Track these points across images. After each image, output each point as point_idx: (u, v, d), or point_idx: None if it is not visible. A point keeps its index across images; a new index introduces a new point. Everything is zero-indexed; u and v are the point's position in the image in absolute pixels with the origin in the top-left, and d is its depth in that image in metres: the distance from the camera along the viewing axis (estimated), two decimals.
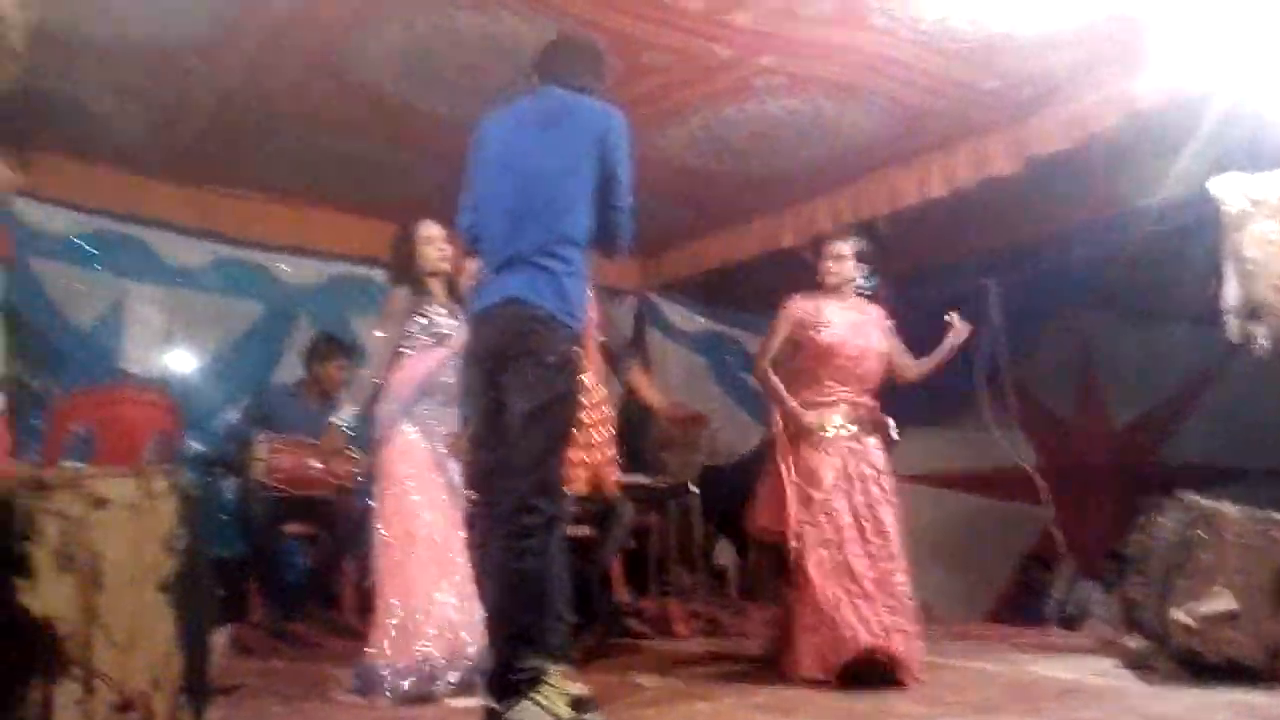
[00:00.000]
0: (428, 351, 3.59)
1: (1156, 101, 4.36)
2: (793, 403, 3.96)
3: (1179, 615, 3.25)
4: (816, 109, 4.90)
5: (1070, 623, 6.04)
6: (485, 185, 2.89)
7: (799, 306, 4.08)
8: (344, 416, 3.60)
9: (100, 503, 1.65)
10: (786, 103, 4.83)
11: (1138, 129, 4.61)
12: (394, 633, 3.33)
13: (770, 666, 3.82)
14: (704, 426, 4.08)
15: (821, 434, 3.90)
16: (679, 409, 4.18)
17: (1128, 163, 5.27)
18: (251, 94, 4.68)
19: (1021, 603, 6.84)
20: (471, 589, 3.38)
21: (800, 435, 3.94)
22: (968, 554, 6.88)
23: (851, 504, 3.80)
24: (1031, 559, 6.98)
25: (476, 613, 3.31)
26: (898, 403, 6.90)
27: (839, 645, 3.51)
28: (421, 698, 3.24)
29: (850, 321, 4.03)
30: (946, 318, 4.10)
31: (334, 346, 5.47)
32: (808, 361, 4.02)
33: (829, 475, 3.83)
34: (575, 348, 2.75)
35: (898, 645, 3.52)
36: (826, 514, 3.79)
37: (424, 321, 3.60)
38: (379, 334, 3.63)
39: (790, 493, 3.86)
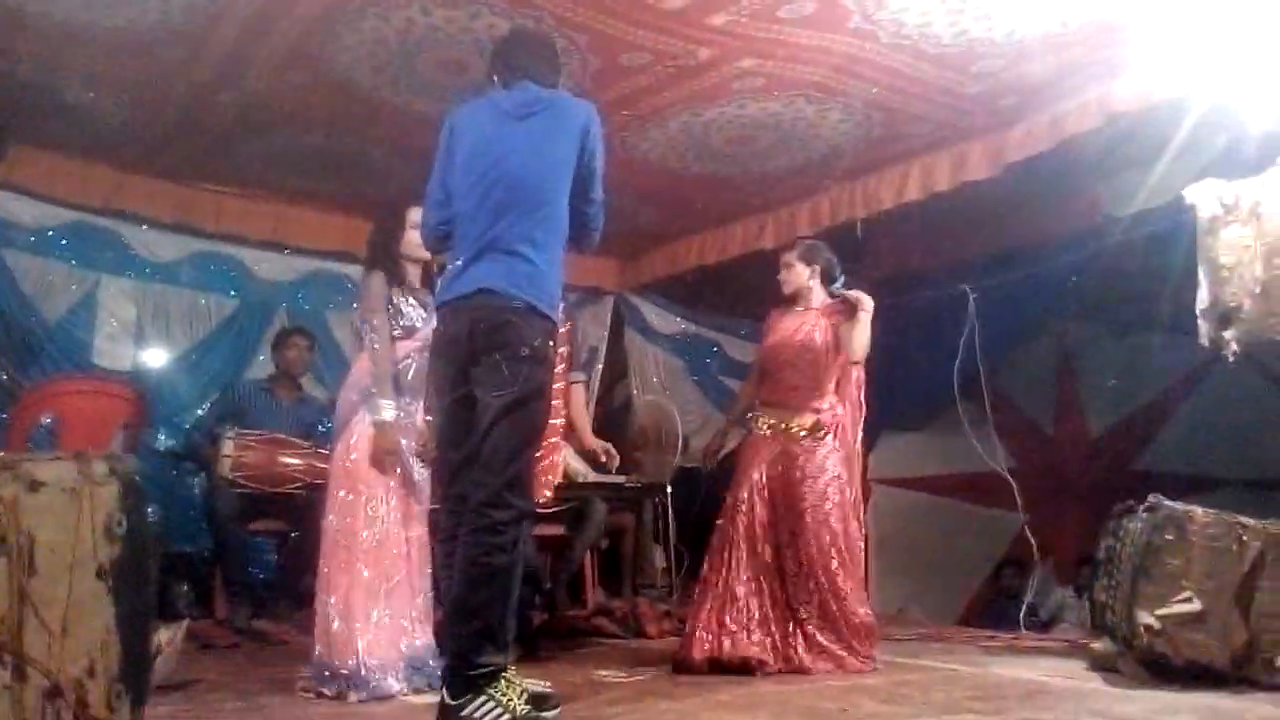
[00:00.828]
0: (395, 344, 3.54)
1: (1135, 106, 4.36)
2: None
3: (1145, 618, 3.24)
4: (796, 112, 4.89)
5: (1042, 627, 6.05)
6: (462, 177, 2.83)
7: (769, 317, 4.28)
8: (385, 414, 3.39)
9: (35, 485, 1.61)
10: (766, 105, 4.82)
11: (1116, 134, 4.62)
12: (331, 634, 3.27)
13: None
14: (612, 461, 4.35)
15: (756, 436, 4.10)
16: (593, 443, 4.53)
17: (1106, 170, 5.29)
18: (227, 87, 4.64)
19: (995, 607, 6.87)
20: (412, 591, 3.39)
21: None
22: (942, 558, 6.90)
23: (772, 508, 3.96)
24: (1006, 564, 7.01)
25: (416, 614, 3.37)
26: (875, 407, 6.89)
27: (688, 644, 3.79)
28: (375, 697, 3.18)
29: (790, 327, 4.15)
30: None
31: (291, 330, 5.54)
32: (763, 367, 4.24)
33: (750, 478, 3.99)
34: (549, 340, 2.71)
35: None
36: (741, 515, 3.95)
37: (393, 312, 3.54)
38: (373, 323, 3.49)
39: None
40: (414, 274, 3.64)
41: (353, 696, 3.15)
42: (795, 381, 4.07)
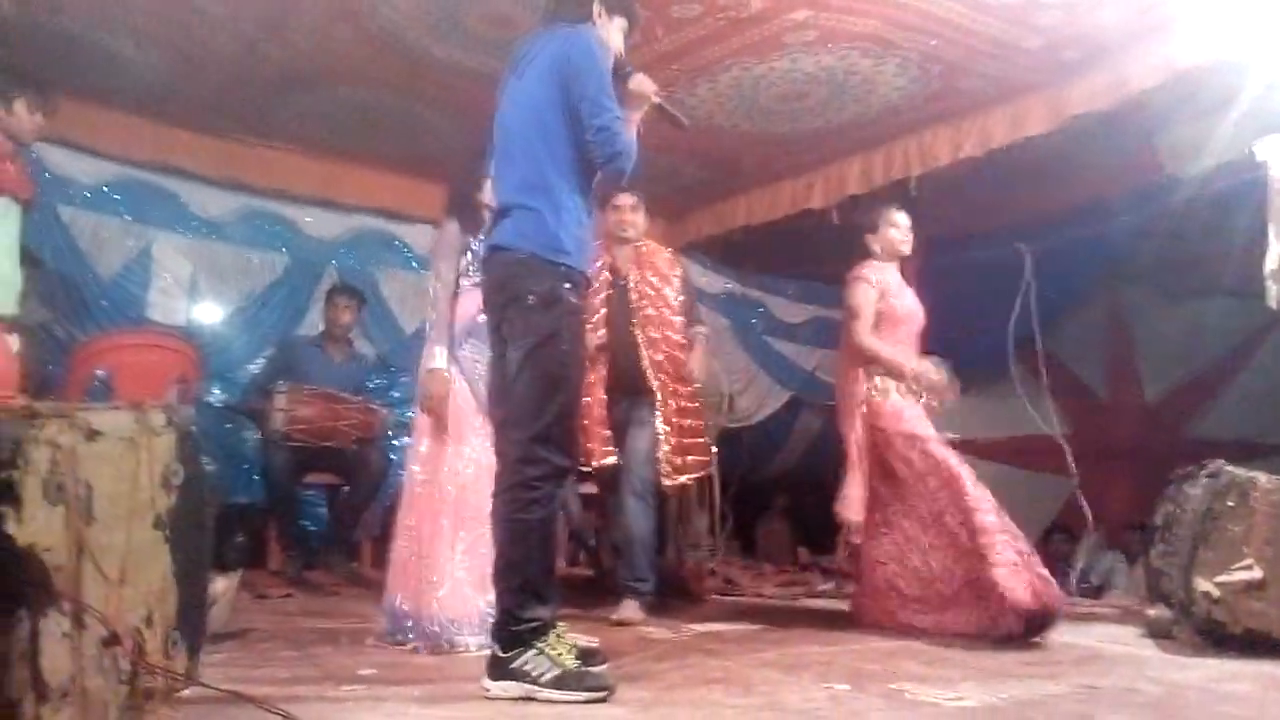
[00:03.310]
0: (472, 291, 3.44)
1: (1199, 63, 4.23)
2: (912, 363, 4.02)
3: (1204, 585, 3.17)
4: (849, 66, 4.79)
5: (1093, 593, 5.98)
6: (495, 142, 2.84)
7: (876, 274, 4.14)
8: (434, 361, 3.40)
9: (93, 434, 1.62)
10: (819, 59, 4.72)
11: (1180, 92, 4.48)
12: (408, 584, 3.31)
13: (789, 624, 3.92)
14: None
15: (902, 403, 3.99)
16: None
17: (1168, 127, 5.13)
18: (274, 42, 4.63)
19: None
20: (487, 542, 3.37)
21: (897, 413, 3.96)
22: None
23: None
24: (1057, 529, 6.92)
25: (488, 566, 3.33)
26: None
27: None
28: (433, 650, 3.21)
29: (911, 295, 4.18)
30: None
31: (338, 288, 5.58)
32: (885, 332, 4.10)
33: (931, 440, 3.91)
34: (563, 284, 2.62)
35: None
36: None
37: (469, 261, 3.48)
38: (440, 268, 3.50)
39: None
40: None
41: (423, 647, 3.16)
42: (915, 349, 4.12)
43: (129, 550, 1.68)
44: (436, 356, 3.41)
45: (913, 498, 3.87)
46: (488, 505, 3.08)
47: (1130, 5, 4.12)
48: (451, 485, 3.35)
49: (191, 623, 1.88)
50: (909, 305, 4.16)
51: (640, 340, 4.22)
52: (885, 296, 4.09)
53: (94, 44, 4.63)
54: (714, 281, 7.22)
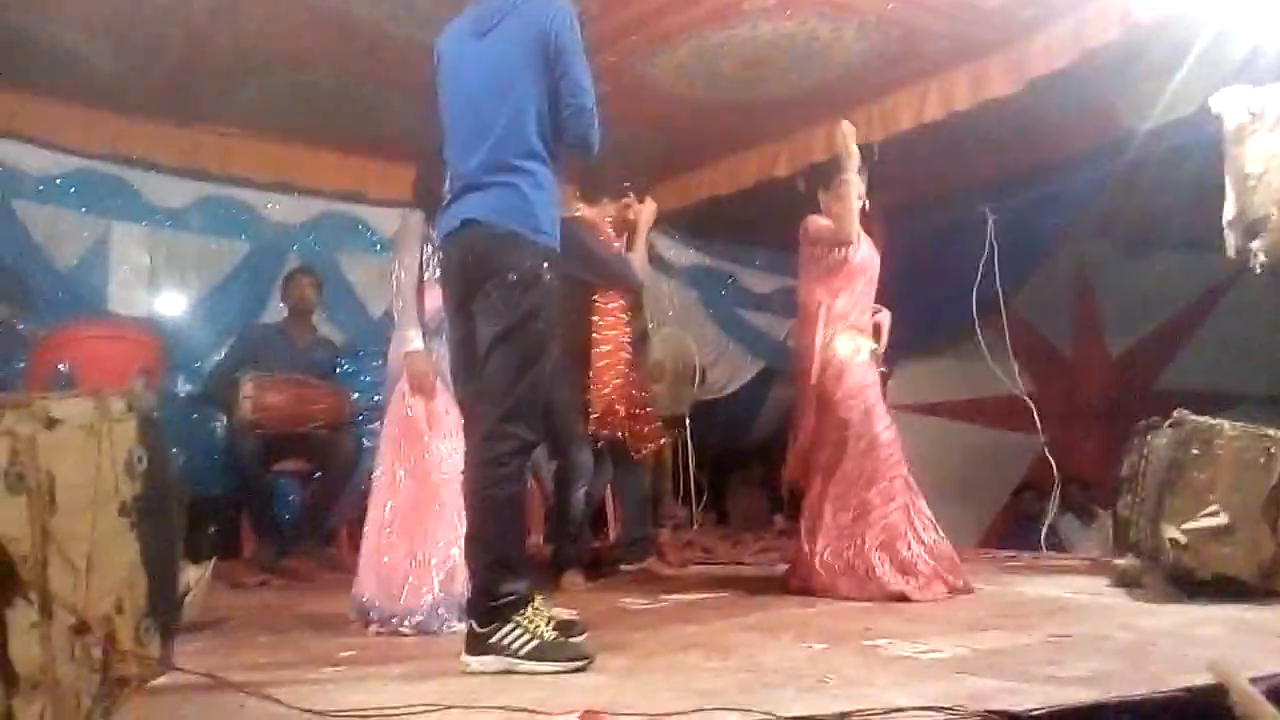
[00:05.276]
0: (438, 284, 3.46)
1: (1154, 16, 4.25)
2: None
3: (1171, 532, 3.22)
4: (809, 31, 4.78)
5: (1062, 549, 6.06)
6: (445, 109, 2.77)
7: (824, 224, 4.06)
8: (412, 344, 3.36)
9: (52, 423, 1.59)
10: (778, 25, 4.71)
11: (1136, 45, 4.50)
12: (385, 572, 3.25)
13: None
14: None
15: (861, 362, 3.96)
16: None
17: (1126, 83, 5.17)
18: (223, 28, 4.57)
19: (1016, 530, 6.88)
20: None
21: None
22: (963, 482, 6.87)
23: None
24: (1027, 487, 7.00)
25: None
26: (895, 333, 6.89)
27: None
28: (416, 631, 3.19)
29: (865, 237, 4.09)
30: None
31: (299, 268, 5.53)
32: (842, 281, 4.03)
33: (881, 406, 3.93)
34: (543, 263, 2.60)
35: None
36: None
37: (431, 252, 3.41)
38: (404, 259, 3.46)
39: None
40: None
41: (405, 630, 3.15)
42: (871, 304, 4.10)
43: (95, 538, 1.66)
44: (412, 339, 3.37)
45: (844, 458, 3.83)
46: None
47: None
48: (437, 476, 3.31)
49: (164, 609, 1.86)
50: (865, 254, 4.06)
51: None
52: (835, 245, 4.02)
53: (41, 36, 4.55)
54: (682, 254, 7.21)
